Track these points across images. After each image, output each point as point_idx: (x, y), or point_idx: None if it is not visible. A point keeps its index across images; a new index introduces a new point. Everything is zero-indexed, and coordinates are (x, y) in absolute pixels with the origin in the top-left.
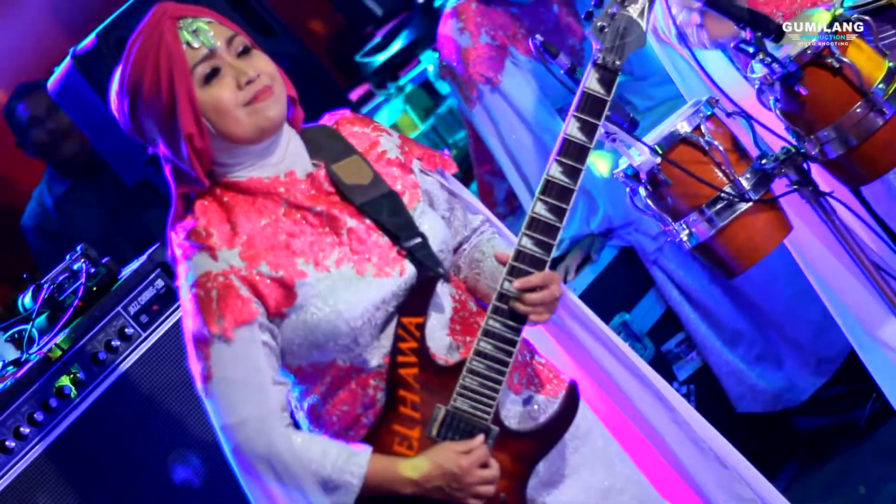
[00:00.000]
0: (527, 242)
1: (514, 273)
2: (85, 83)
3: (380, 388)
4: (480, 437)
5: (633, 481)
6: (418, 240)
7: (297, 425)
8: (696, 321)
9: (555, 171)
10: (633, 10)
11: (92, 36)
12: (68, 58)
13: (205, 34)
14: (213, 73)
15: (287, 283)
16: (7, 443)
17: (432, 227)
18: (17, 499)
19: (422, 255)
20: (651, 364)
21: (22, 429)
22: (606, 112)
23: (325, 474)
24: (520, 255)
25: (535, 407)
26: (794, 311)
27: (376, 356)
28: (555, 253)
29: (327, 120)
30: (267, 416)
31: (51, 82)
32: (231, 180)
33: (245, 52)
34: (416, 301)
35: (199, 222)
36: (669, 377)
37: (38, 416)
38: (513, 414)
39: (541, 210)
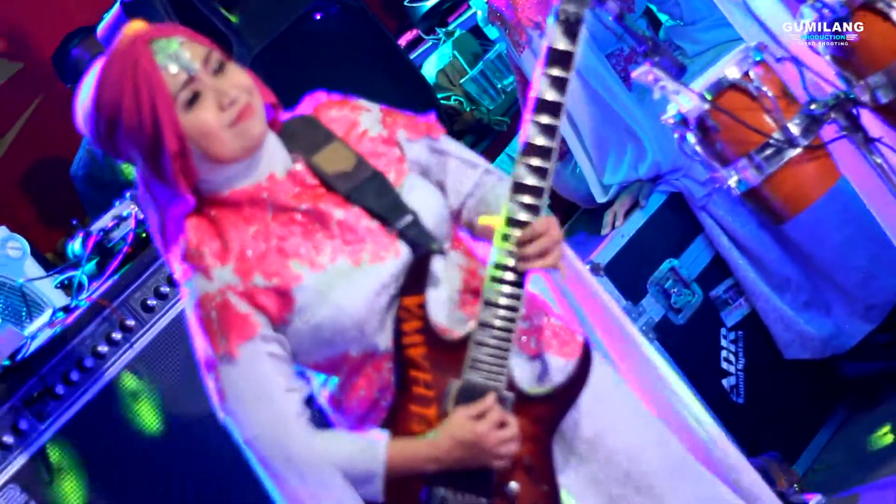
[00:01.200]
0: (514, 207)
1: (506, 240)
2: None
3: (393, 371)
4: (491, 396)
5: (659, 441)
6: (409, 218)
7: (321, 411)
8: (744, 267)
9: (532, 131)
10: None
11: None
12: (117, 4)
13: (182, 57)
14: (195, 98)
15: (283, 290)
16: (57, 389)
17: (424, 201)
18: (69, 443)
19: (414, 234)
20: (699, 310)
21: (71, 375)
22: (575, 63)
23: (348, 469)
24: (510, 221)
25: (551, 370)
26: (843, 258)
27: (385, 339)
28: (604, 199)
29: (306, 106)
30: (284, 426)
31: (100, 29)
32: (215, 195)
33: (220, 68)
34: (414, 281)
35: (191, 242)
36: (717, 323)
37: (88, 363)
38: (528, 377)
39: (523, 173)
